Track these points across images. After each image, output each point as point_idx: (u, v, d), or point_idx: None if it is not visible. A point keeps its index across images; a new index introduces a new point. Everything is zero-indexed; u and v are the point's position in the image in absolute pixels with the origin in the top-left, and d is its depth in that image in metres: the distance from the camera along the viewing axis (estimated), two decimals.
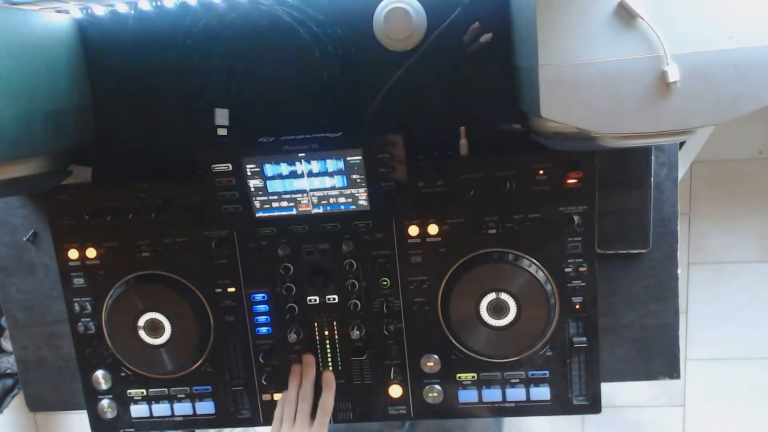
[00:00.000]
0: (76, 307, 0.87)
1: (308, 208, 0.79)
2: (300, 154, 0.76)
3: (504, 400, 0.85)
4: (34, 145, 0.72)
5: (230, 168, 0.77)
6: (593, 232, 0.79)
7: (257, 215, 0.79)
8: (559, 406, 0.85)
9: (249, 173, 0.77)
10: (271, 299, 0.85)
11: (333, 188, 0.77)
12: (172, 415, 0.90)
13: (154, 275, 0.85)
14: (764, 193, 1.87)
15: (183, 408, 0.90)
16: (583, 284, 0.81)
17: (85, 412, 0.92)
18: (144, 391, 0.89)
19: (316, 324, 0.86)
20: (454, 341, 0.83)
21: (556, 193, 0.78)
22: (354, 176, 0.76)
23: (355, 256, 0.83)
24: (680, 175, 1.15)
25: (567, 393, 0.84)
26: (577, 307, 0.82)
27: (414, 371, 0.86)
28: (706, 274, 1.94)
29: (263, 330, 0.86)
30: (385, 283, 0.83)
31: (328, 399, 0.84)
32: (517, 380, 0.84)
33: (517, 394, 0.85)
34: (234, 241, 0.84)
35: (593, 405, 0.84)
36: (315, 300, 0.85)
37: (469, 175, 0.79)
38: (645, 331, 0.90)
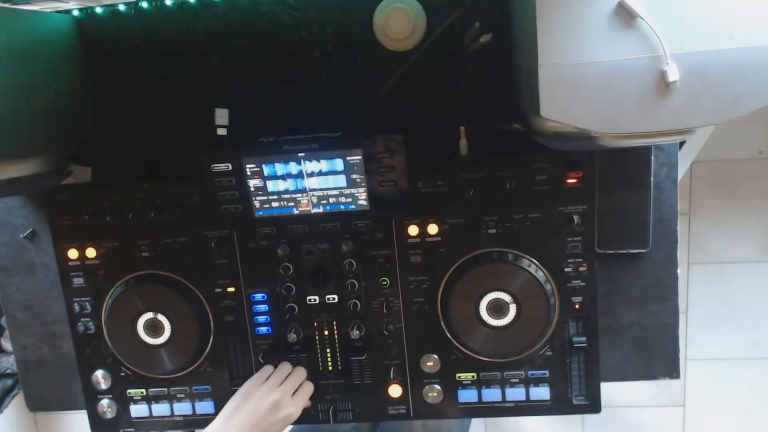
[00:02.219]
0: (76, 307, 0.87)
1: (308, 208, 0.79)
2: (300, 154, 0.76)
3: (504, 400, 0.85)
4: (34, 145, 0.72)
5: (230, 168, 0.77)
6: (593, 232, 0.79)
7: (257, 215, 0.80)
8: (559, 406, 0.85)
9: (249, 173, 0.77)
10: (271, 299, 0.85)
11: (333, 188, 0.77)
12: (172, 415, 0.90)
13: (154, 275, 0.85)
14: (764, 193, 1.87)
15: (183, 408, 0.90)
16: (583, 284, 0.81)
17: (85, 412, 0.92)
18: (144, 391, 0.89)
19: (315, 324, 0.86)
20: (453, 341, 0.83)
21: (556, 193, 0.78)
22: (354, 176, 0.76)
23: (354, 256, 0.83)
24: (680, 175, 1.15)
25: (567, 393, 0.84)
26: (577, 306, 0.82)
27: (414, 371, 0.86)
28: (706, 274, 1.94)
29: (263, 330, 0.86)
30: (384, 282, 0.83)
31: (308, 385, 0.85)
32: (517, 380, 0.84)
33: (516, 393, 0.85)
34: (234, 241, 0.84)
35: (593, 405, 0.84)
36: (315, 300, 0.85)
37: (469, 175, 0.79)
38: (645, 331, 0.90)
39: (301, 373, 0.85)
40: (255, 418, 0.78)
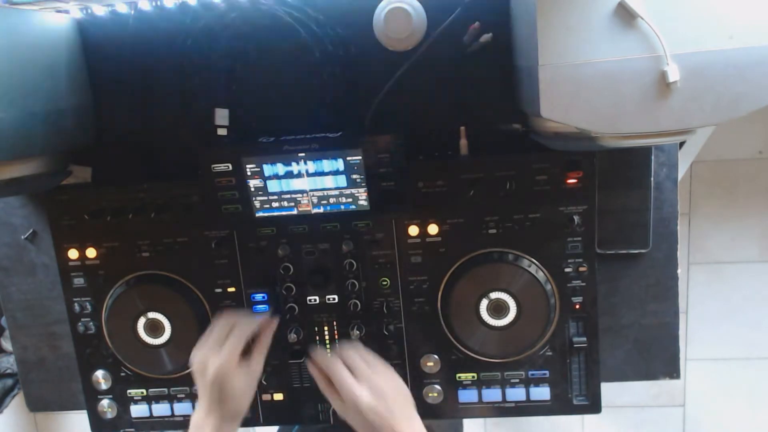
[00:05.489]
0: (76, 307, 0.87)
1: (308, 208, 0.79)
2: (300, 154, 0.76)
3: (504, 400, 0.85)
4: (34, 145, 0.72)
5: (230, 168, 0.77)
6: (593, 232, 0.79)
7: (257, 215, 0.80)
8: (559, 406, 0.85)
9: (249, 173, 0.77)
10: (271, 299, 0.85)
11: (333, 188, 0.77)
12: (172, 415, 0.90)
13: (154, 275, 0.85)
14: (764, 193, 1.87)
15: (183, 408, 0.90)
16: (583, 284, 0.81)
17: (85, 412, 0.92)
18: (144, 391, 0.89)
19: (316, 324, 0.86)
20: (454, 341, 0.83)
21: (556, 193, 0.78)
22: (354, 176, 0.76)
23: (355, 256, 0.83)
24: (680, 175, 1.15)
25: (567, 393, 0.84)
26: (577, 307, 0.82)
27: (414, 371, 0.86)
28: (706, 274, 1.94)
29: None
30: (385, 283, 0.83)
31: (265, 336, 0.81)
32: (517, 380, 0.84)
33: (517, 394, 0.85)
34: (234, 241, 0.84)
35: (593, 405, 0.84)
36: (315, 300, 0.85)
37: (469, 175, 0.79)
38: (645, 331, 0.90)
39: (223, 321, 0.80)
40: (199, 387, 0.77)
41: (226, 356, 0.76)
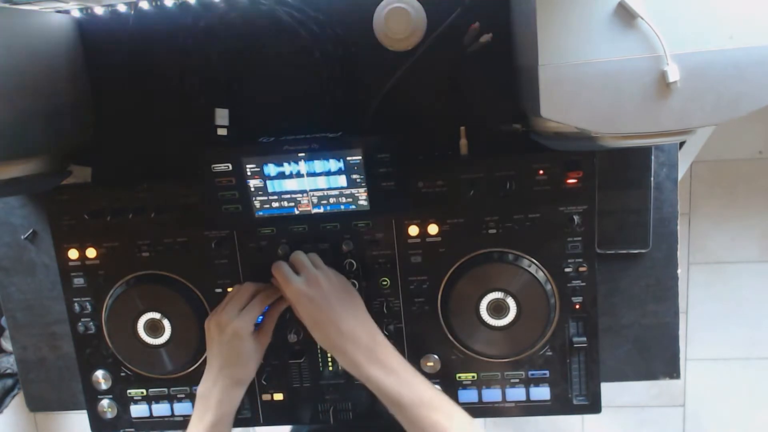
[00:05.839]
0: (76, 307, 0.87)
1: (308, 208, 0.79)
2: (300, 154, 0.76)
3: (504, 400, 0.85)
4: (34, 145, 0.72)
5: (230, 168, 0.77)
6: (593, 232, 0.79)
7: (257, 215, 0.80)
8: (559, 406, 0.85)
9: (249, 173, 0.77)
10: None
11: (333, 188, 0.77)
12: (172, 415, 0.90)
13: (154, 275, 0.85)
14: (764, 193, 1.87)
15: (183, 408, 0.90)
16: (583, 284, 0.81)
17: (85, 412, 0.92)
18: (144, 391, 0.90)
19: None
20: (454, 341, 0.83)
21: (556, 193, 0.78)
22: (354, 176, 0.76)
23: (355, 256, 0.83)
24: (680, 175, 1.15)
25: (567, 393, 0.84)
26: (577, 307, 0.82)
27: None
28: (706, 274, 1.94)
29: None
30: (385, 283, 0.83)
31: (277, 310, 0.83)
32: (517, 380, 0.84)
33: (517, 394, 0.85)
34: (234, 241, 0.84)
35: (593, 405, 0.84)
36: None
37: (469, 175, 0.79)
38: (645, 331, 0.90)
39: (244, 289, 0.81)
40: (212, 350, 0.79)
41: (247, 319, 0.78)
